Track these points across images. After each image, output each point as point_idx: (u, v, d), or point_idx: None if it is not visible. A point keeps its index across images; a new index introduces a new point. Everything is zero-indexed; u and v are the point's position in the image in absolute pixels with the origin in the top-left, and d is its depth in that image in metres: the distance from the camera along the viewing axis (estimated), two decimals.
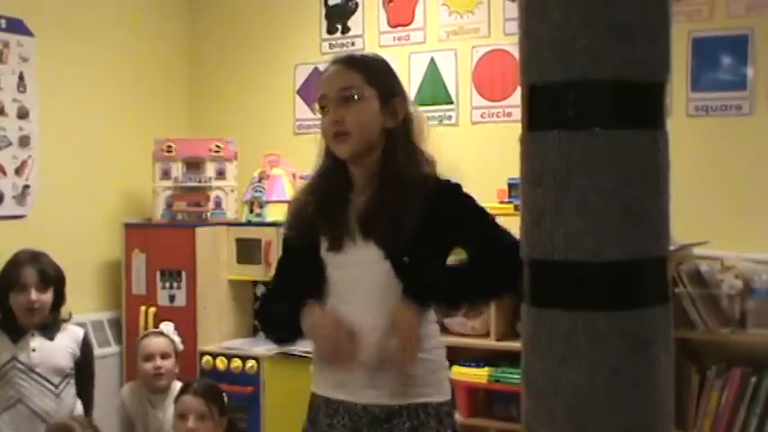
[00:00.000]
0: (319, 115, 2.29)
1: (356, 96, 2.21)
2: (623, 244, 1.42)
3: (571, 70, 1.44)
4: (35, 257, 3.48)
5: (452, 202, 2.25)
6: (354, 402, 2.22)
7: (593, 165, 1.42)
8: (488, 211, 2.33)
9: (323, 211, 2.26)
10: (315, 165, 2.35)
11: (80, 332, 3.59)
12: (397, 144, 2.23)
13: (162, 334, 3.76)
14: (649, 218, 1.46)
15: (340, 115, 2.21)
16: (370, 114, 2.22)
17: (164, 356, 3.67)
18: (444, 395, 2.28)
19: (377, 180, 2.23)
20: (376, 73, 2.27)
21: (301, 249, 2.31)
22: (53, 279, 3.46)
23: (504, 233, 2.25)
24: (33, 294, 3.40)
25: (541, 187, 1.46)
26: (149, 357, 3.66)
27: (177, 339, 3.77)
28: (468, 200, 2.30)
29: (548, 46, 1.46)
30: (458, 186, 2.31)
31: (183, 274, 4.73)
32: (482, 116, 4.64)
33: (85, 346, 3.58)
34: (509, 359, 4.00)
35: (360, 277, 2.22)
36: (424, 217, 2.17)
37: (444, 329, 4.20)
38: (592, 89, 1.44)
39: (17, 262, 3.46)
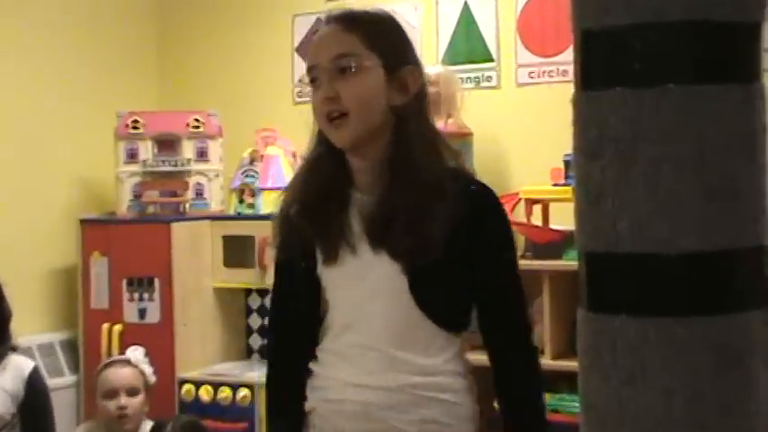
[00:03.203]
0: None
1: (354, 66, 2.19)
2: (706, 231, 1.41)
3: (637, 10, 1.43)
4: None
5: (487, 218, 2.26)
6: None
7: (666, 130, 1.41)
8: (515, 248, 2.40)
9: (312, 214, 2.25)
10: (305, 152, 2.34)
11: (27, 367, 3.51)
12: (410, 126, 2.22)
13: (128, 363, 3.74)
14: (741, 197, 1.45)
15: (334, 90, 2.19)
16: (373, 88, 2.21)
17: (130, 393, 3.65)
18: None
19: (387, 174, 2.22)
20: (380, 35, 2.25)
21: (295, 264, 2.32)
22: None
23: (522, 296, 2.32)
24: None
25: (600, 160, 1.45)
26: (111, 394, 3.64)
27: (149, 370, 3.76)
28: (505, 227, 2.33)
29: None
30: (496, 199, 2.32)
31: (157, 282, 4.76)
32: (530, 76, 4.64)
33: (33, 384, 3.48)
34: (570, 382, 3.99)
35: (361, 298, 2.23)
36: (454, 224, 2.16)
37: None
38: (664, 34, 1.43)
39: None
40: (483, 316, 2.30)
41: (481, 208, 2.25)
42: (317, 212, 2.25)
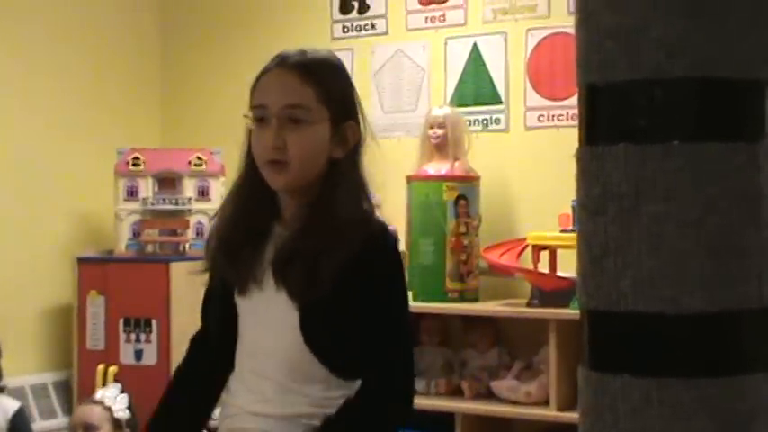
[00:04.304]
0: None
1: (305, 119, 2.25)
2: (711, 291, 1.42)
3: (642, 66, 1.45)
4: None
5: (373, 259, 2.28)
6: None
7: (670, 188, 1.43)
8: (405, 295, 2.39)
9: (228, 250, 2.32)
10: (234, 180, 2.40)
11: (12, 407, 3.56)
12: (341, 178, 2.29)
13: (93, 401, 3.78)
14: (746, 256, 1.46)
15: (282, 139, 2.24)
16: (319, 143, 2.27)
17: (87, 429, 3.69)
18: None
19: (306, 217, 2.28)
20: (332, 88, 2.30)
21: (217, 292, 2.40)
22: None
23: (405, 341, 2.34)
24: None
25: (604, 217, 1.46)
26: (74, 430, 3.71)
27: (119, 406, 3.77)
28: (394, 267, 2.34)
29: (611, 34, 1.47)
30: (392, 240, 2.38)
31: (154, 323, 4.75)
32: (539, 119, 4.65)
33: (17, 424, 3.53)
34: None
35: (262, 329, 2.30)
36: (345, 267, 2.21)
37: (491, 395, 4.21)
38: (669, 90, 1.45)
39: None
40: (361, 357, 2.31)
41: (370, 248, 2.28)
42: (233, 248, 2.32)
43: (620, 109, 1.47)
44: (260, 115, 2.28)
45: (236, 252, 2.31)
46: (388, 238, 2.36)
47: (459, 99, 4.75)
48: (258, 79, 2.33)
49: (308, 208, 2.28)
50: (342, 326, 2.25)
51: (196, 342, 2.53)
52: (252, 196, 2.33)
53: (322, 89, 2.27)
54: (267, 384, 2.29)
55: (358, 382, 2.28)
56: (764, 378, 1.48)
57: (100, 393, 3.85)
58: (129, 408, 3.82)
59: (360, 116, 2.35)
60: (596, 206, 1.48)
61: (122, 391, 3.85)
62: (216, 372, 2.41)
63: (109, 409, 3.75)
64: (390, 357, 2.30)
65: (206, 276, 2.45)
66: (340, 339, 2.26)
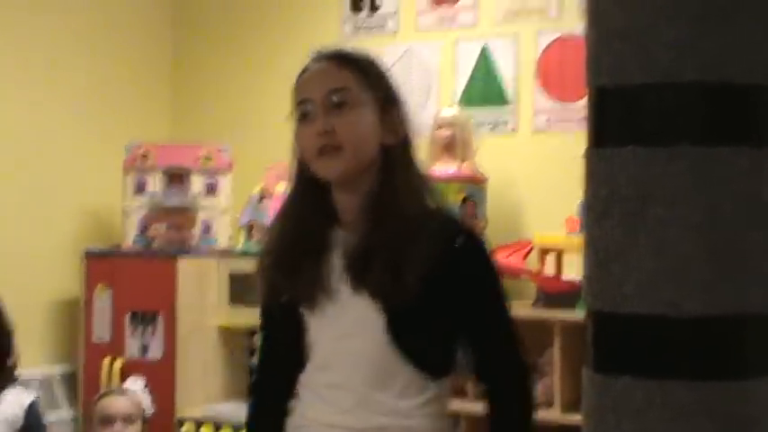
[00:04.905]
0: None
1: (350, 101, 2.22)
2: (713, 295, 1.43)
3: (651, 69, 1.45)
4: None
5: (471, 261, 2.26)
6: None
7: (676, 191, 1.43)
8: (503, 288, 2.35)
9: (285, 266, 2.27)
10: (284, 199, 2.37)
11: (27, 398, 3.57)
12: (397, 167, 2.25)
13: (126, 393, 3.79)
14: (749, 260, 1.46)
15: (330, 124, 2.20)
16: (368, 125, 2.23)
17: (126, 421, 3.69)
18: None
19: (370, 211, 2.24)
20: (373, 74, 2.29)
21: (277, 308, 2.33)
22: None
23: (515, 333, 2.32)
24: None
25: (609, 220, 1.47)
26: (107, 421, 3.69)
27: (147, 400, 3.80)
28: (490, 268, 2.32)
29: (620, 36, 1.47)
30: (480, 241, 2.33)
31: (160, 317, 4.77)
32: (548, 122, 4.65)
33: (32, 416, 3.54)
34: None
35: (343, 340, 2.24)
36: (433, 264, 2.17)
37: None
38: (678, 94, 1.45)
39: None
40: (476, 360, 2.31)
41: (468, 249, 2.25)
42: (294, 260, 2.27)
43: (629, 111, 1.48)
44: (303, 111, 2.24)
45: (296, 266, 2.25)
46: (472, 234, 2.32)
47: (468, 100, 4.75)
48: (297, 80, 2.30)
49: (371, 204, 2.23)
50: (431, 323, 2.22)
51: (263, 390, 2.47)
52: (306, 205, 2.28)
53: (362, 73, 2.25)
54: (345, 396, 2.23)
55: (437, 388, 2.26)
56: (765, 382, 1.48)
57: (131, 384, 3.85)
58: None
59: (407, 109, 2.31)
60: (602, 208, 1.48)
61: (146, 386, 3.87)
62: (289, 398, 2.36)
63: (140, 403, 3.77)
64: (508, 357, 2.29)
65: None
66: (429, 336, 2.23)
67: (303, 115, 2.25)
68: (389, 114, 2.26)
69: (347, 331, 2.22)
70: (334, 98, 2.22)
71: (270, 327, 2.43)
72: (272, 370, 2.43)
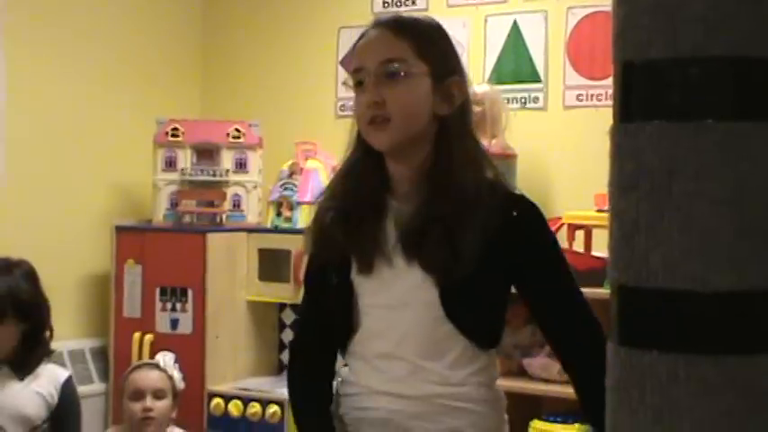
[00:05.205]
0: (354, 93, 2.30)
1: (403, 72, 2.22)
2: (740, 269, 1.42)
3: (679, 44, 1.45)
4: None
5: (529, 230, 2.27)
6: None
7: (703, 166, 1.43)
8: (563, 253, 2.36)
9: (347, 223, 2.27)
10: (343, 158, 2.37)
11: (62, 374, 3.60)
12: (453, 138, 2.24)
13: (157, 367, 3.81)
14: None
15: (380, 95, 2.21)
16: (420, 96, 2.23)
17: (156, 395, 3.71)
18: None
19: (426, 184, 2.24)
20: (430, 43, 2.27)
21: (329, 271, 2.33)
22: (13, 308, 3.46)
23: (580, 292, 2.33)
24: None
25: (635, 194, 1.47)
26: (138, 395, 3.72)
27: (177, 375, 3.82)
28: (549, 235, 2.34)
29: (648, 11, 1.47)
30: (537, 210, 2.33)
31: (190, 292, 4.80)
32: (578, 98, 4.65)
33: (67, 393, 3.56)
34: None
35: (397, 309, 2.25)
36: (490, 236, 2.18)
37: (524, 374, 4.23)
38: (705, 69, 1.44)
39: None
40: (552, 329, 2.32)
41: (524, 218, 2.27)
42: (353, 221, 2.27)
43: (655, 86, 1.47)
44: (358, 79, 2.25)
45: (356, 227, 2.26)
46: (534, 205, 2.32)
47: (498, 77, 4.76)
48: (355, 45, 2.31)
49: (425, 177, 2.24)
50: (483, 296, 2.23)
51: (308, 356, 2.45)
52: (364, 171, 2.29)
53: (418, 42, 2.24)
54: (398, 365, 2.25)
55: (486, 359, 2.28)
56: None
57: (161, 359, 3.87)
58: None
59: (465, 77, 2.31)
60: (629, 183, 1.48)
61: (176, 361, 3.89)
62: (330, 373, 2.40)
63: (171, 377, 3.79)
64: (580, 317, 2.30)
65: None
66: (481, 310, 2.24)
67: (358, 83, 2.26)
68: (444, 84, 2.25)
69: (401, 300, 2.23)
70: (388, 68, 2.22)
71: (317, 291, 2.41)
72: (317, 336, 2.42)
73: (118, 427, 3.87)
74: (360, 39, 2.31)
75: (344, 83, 2.31)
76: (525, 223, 2.27)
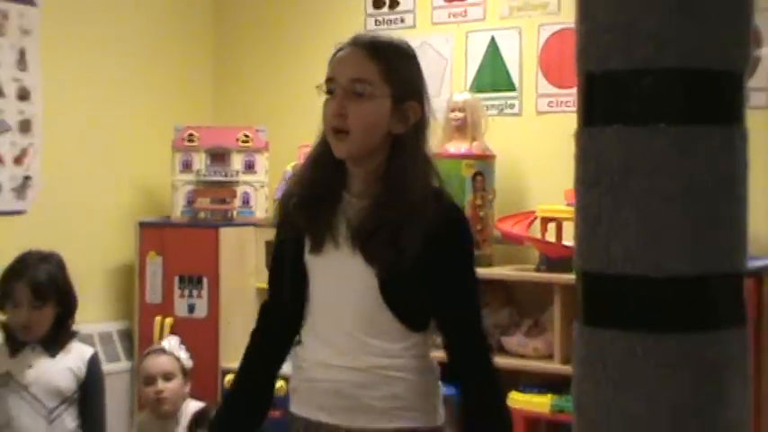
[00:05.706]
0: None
1: (367, 93, 2.22)
2: (690, 257, 1.44)
3: (634, 57, 1.46)
4: (35, 266, 3.46)
5: (453, 239, 2.29)
6: (335, 425, 2.30)
7: (656, 165, 1.44)
8: (472, 264, 2.36)
9: (306, 208, 2.30)
10: (312, 147, 2.38)
11: (88, 351, 3.60)
12: (406, 152, 2.26)
13: (164, 351, 3.80)
14: (721, 227, 1.47)
15: (345, 109, 2.23)
16: (379, 116, 2.24)
17: (166, 378, 3.70)
18: (434, 421, 2.34)
19: (379, 187, 2.26)
20: (397, 68, 2.27)
21: (287, 249, 2.37)
22: (54, 293, 3.47)
23: (480, 317, 2.35)
24: (25, 314, 3.42)
25: (598, 190, 1.48)
26: (150, 380, 3.70)
27: (184, 355, 3.79)
28: (468, 248, 2.35)
29: (607, 28, 1.48)
30: (466, 222, 2.38)
31: (205, 280, 4.80)
32: (549, 105, 4.65)
33: (93, 367, 3.57)
34: None
35: (338, 288, 2.28)
36: (428, 239, 2.21)
37: (501, 350, 4.23)
38: (658, 79, 1.46)
39: (13, 273, 3.47)
40: (442, 326, 2.33)
41: (453, 226, 2.29)
42: (311, 206, 2.30)
43: (614, 95, 1.49)
44: (329, 87, 2.27)
45: (316, 209, 2.29)
46: (464, 217, 2.38)
47: (478, 86, 4.75)
48: (333, 55, 2.31)
49: (380, 180, 2.26)
50: (419, 291, 2.25)
51: (268, 309, 2.50)
52: (326, 163, 2.30)
53: (386, 67, 2.25)
54: (343, 338, 2.27)
55: (419, 336, 2.29)
56: (732, 335, 1.50)
57: (166, 344, 3.85)
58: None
59: (425, 99, 2.32)
60: (591, 180, 1.50)
61: (181, 342, 3.88)
62: (289, 336, 2.41)
63: (178, 358, 3.78)
64: (474, 320, 2.32)
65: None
66: (413, 300, 2.27)
67: (329, 91, 2.27)
68: (403, 107, 2.27)
69: (345, 282, 2.26)
70: (355, 87, 2.23)
71: (277, 266, 2.45)
72: (274, 311, 2.47)
73: (144, 411, 3.85)
74: (338, 51, 2.31)
75: (318, 87, 2.31)
76: (452, 229, 2.29)
